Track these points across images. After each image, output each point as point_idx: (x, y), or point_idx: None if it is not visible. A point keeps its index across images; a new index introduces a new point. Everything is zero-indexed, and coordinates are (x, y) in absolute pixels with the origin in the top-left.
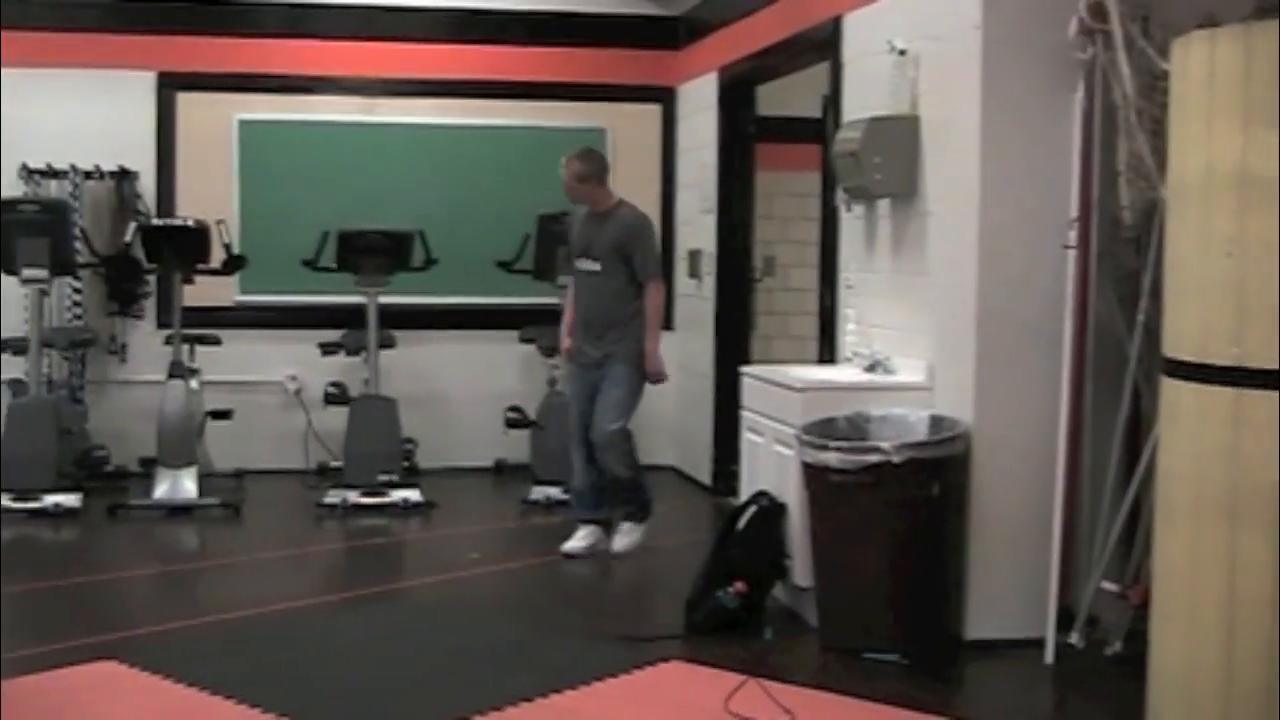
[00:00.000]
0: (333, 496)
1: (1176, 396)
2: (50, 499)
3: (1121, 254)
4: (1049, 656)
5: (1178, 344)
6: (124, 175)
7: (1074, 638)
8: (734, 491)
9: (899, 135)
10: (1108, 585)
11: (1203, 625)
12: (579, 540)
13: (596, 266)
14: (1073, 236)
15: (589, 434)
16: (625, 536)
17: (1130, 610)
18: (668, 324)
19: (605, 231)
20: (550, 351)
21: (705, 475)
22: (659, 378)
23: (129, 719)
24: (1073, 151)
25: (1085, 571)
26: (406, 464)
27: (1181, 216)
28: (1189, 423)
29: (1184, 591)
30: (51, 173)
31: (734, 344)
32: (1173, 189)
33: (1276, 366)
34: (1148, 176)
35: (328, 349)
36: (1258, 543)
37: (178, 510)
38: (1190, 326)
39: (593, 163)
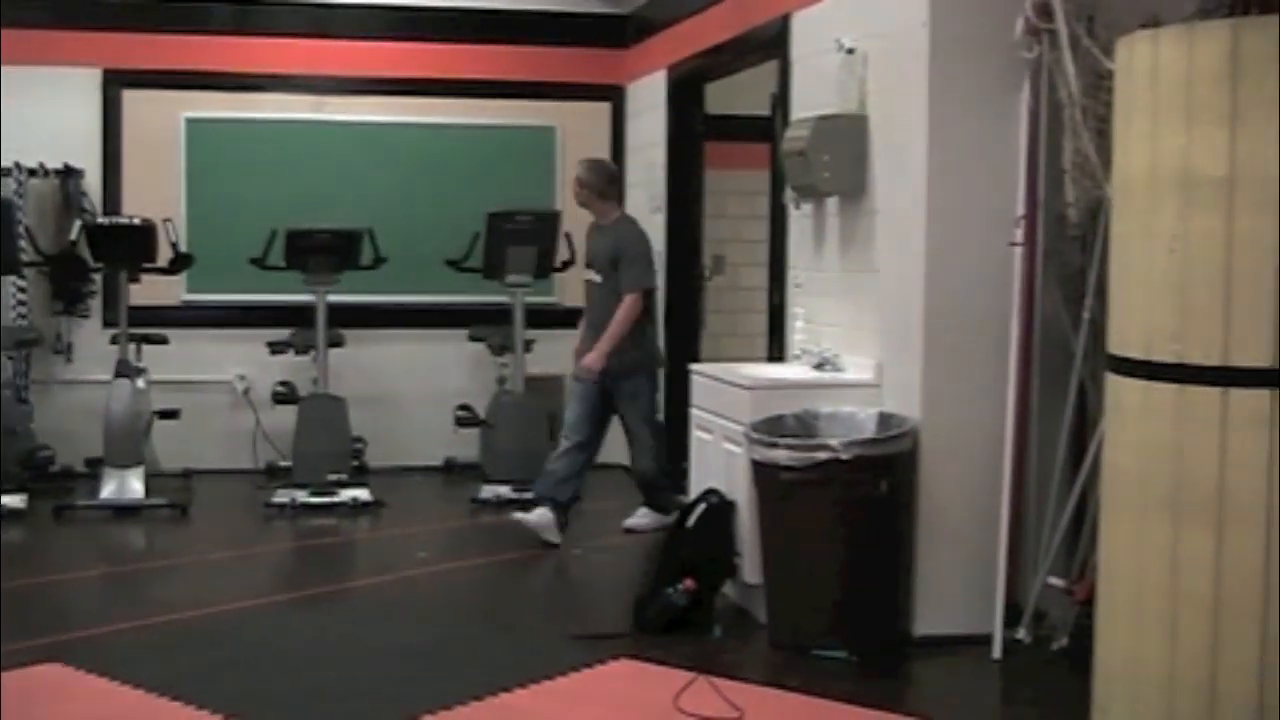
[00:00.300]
0: (281, 496)
1: (1121, 393)
2: None
3: (1067, 252)
4: (996, 652)
5: (1122, 341)
6: (69, 173)
7: (1021, 633)
8: (683, 489)
9: (847, 133)
10: (1054, 581)
11: (1146, 620)
12: (534, 514)
13: (597, 278)
14: (1019, 234)
15: (580, 428)
16: (640, 519)
17: (1076, 605)
18: None
19: (603, 244)
20: (500, 350)
21: None
22: (585, 372)
23: None
24: (1019, 150)
25: (1032, 567)
26: (356, 463)
27: (1126, 214)
28: (1133, 419)
29: (1128, 586)
30: None
31: (683, 342)
32: (1117, 187)
33: (1219, 363)
34: (1093, 175)
35: (276, 348)
36: (1200, 538)
37: (124, 511)
38: (1134, 323)
39: (594, 173)
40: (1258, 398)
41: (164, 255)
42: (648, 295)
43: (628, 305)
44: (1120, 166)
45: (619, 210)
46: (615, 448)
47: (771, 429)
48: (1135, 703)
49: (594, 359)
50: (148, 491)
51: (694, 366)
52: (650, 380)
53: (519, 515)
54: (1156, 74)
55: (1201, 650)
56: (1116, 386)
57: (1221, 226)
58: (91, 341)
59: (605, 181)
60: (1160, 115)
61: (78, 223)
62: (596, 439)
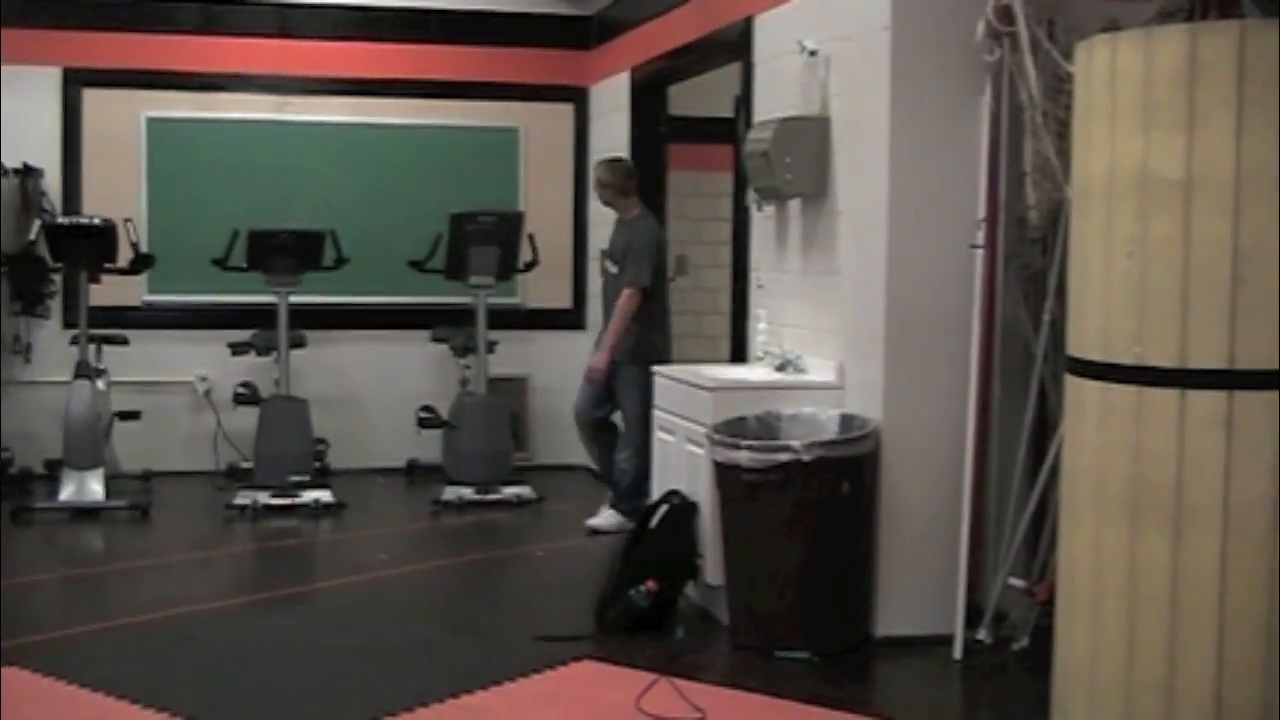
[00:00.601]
0: (243, 498)
1: (1081, 395)
2: None
3: (1028, 254)
4: (957, 652)
5: (1081, 343)
6: (28, 172)
7: (982, 634)
8: (646, 491)
9: (809, 136)
10: (1014, 582)
11: (1105, 620)
12: (603, 517)
13: (614, 269)
14: (980, 237)
15: (588, 417)
16: (603, 519)
17: (1036, 606)
18: (578, 324)
19: (620, 238)
20: (462, 351)
21: None
22: (594, 374)
23: None
24: (980, 152)
25: (993, 568)
26: (318, 465)
27: (1085, 217)
28: (1093, 421)
29: (1087, 587)
30: None
31: None
32: (1076, 190)
33: (1176, 365)
34: (1053, 178)
35: (238, 349)
36: (1158, 539)
37: (84, 513)
38: (1093, 326)
39: (611, 172)
40: (1214, 399)
41: (124, 255)
42: (649, 291)
43: (624, 300)
44: (1079, 169)
45: (639, 206)
46: (579, 449)
47: (733, 430)
48: (1094, 703)
49: (600, 359)
50: (108, 493)
51: (656, 368)
52: (644, 375)
53: (592, 524)
54: (1115, 78)
55: (1160, 650)
56: (1076, 388)
57: (1179, 229)
58: (51, 342)
59: (624, 178)
60: (1119, 119)
61: (37, 222)
62: (605, 416)
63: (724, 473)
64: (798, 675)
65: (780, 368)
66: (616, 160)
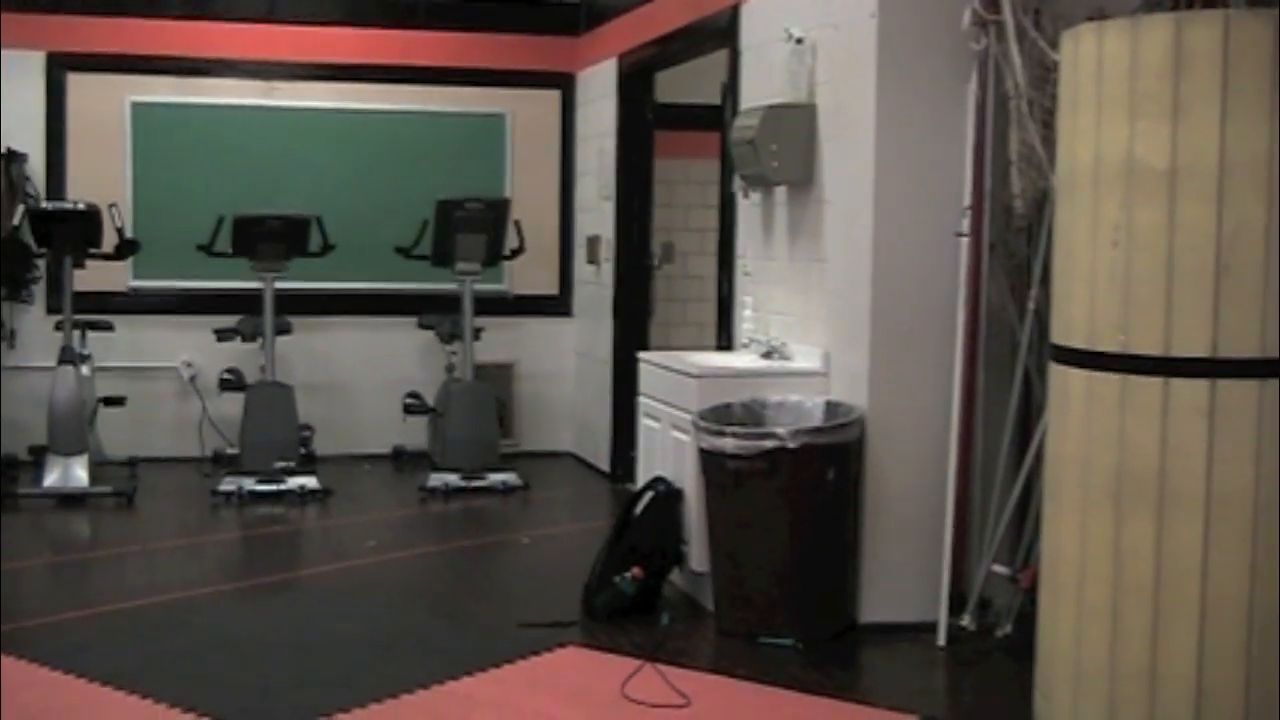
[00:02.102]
0: (228, 484)
1: (1065, 383)
2: None
3: (1013, 243)
4: (941, 639)
5: (1066, 331)
6: (12, 157)
7: (966, 620)
8: (632, 478)
9: (796, 123)
10: (999, 569)
11: (1089, 607)
12: None
13: None
14: (966, 225)
15: None
16: None
17: (1020, 593)
18: (565, 310)
19: None
20: (449, 338)
21: (604, 462)
22: None
23: (18, 714)
24: (966, 141)
25: (977, 555)
26: (304, 451)
27: (1070, 206)
28: (1077, 409)
29: (1071, 574)
30: None
31: (632, 330)
32: (1062, 179)
33: (1161, 353)
34: (1039, 166)
35: (223, 335)
36: (1142, 526)
37: (69, 499)
38: (1078, 314)
39: None
40: (1197, 387)
41: (109, 241)
42: None
43: None
44: (1065, 158)
45: None
46: (566, 435)
47: (719, 417)
48: (1077, 688)
49: None
50: (92, 479)
51: (642, 355)
52: None
53: None
54: (1101, 66)
55: (1143, 636)
56: (1060, 376)
57: (1164, 218)
58: (35, 328)
59: None
60: (1104, 108)
61: (21, 207)
62: None
63: (709, 460)
64: (783, 662)
65: (766, 355)
66: None
